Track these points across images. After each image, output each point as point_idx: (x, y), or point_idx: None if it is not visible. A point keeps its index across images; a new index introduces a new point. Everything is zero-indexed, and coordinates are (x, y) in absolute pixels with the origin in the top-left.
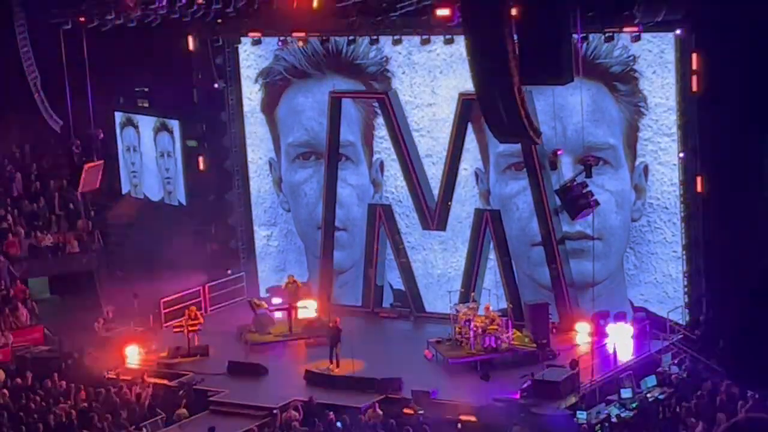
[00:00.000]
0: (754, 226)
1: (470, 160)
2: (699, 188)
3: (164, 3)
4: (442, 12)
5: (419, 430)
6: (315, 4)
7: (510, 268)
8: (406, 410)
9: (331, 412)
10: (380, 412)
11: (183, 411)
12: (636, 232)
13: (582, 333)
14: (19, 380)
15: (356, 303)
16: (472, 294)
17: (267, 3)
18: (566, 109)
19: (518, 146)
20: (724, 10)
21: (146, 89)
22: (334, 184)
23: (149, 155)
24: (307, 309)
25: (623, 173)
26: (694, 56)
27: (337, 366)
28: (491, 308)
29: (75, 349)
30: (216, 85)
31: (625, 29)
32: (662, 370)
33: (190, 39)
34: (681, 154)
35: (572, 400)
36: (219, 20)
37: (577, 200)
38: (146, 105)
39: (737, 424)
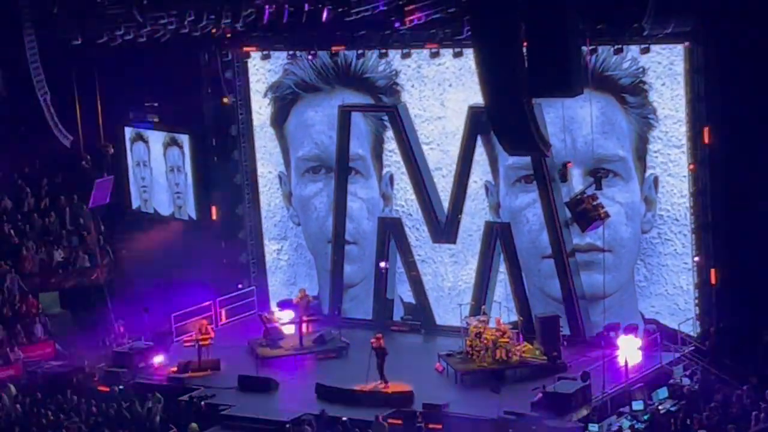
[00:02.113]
0: (764, 236)
1: (480, 172)
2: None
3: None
4: None
5: None
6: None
7: (520, 281)
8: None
9: (345, 418)
10: (386, 425)
11: (194, 426)
12: (646, 244)
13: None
14: (38, 394)
15: (367, 316)
16: (483, 307)
17: (276, 18)
18: (576, 122)
19: (528, 159)
20: (733, 21)
21: (156, 104)
22: (344, 197)
23: (159, 170)
24: (318, 323)
25: (633, 185)
26: (704, 68)
27: (386, 384)
28: (502, 321)
29: (86, 364)
30: (226, 100)
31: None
32: (674, 382)
33: (200, 54)
34: (691, 166)
35: (584, 412)
36: (228, 35)
37: (588, 212)
38: (156, 120)
39: None
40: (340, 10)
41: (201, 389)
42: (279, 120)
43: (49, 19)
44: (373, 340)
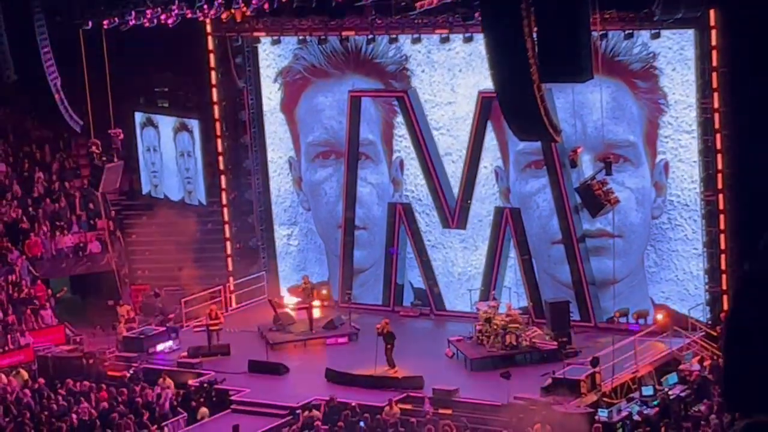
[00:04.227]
0: None
1: (490, 158)
2: (719, 185)
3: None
4: None
5: (439, 428)
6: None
7: (530, 266)
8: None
9: (354, 403)
10: (397, 410)
11: (205, 410)
12: (656, 229)
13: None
14: (41, 380)
15: (376, 302)
16: (493, 292)
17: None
18: (586, 107)
19: (538, 144)
20: (742, 6)
21: (166, 89)
22: (354, 182)
23: (169, 155)
24: (326, 308)
25: (643, 170)
26: (714, 53)
27: (394, 368)
28: (512, 306)
29: (96, 349)
30: (239, 85)
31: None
32: (684, 368)
33: (210, 39)
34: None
35: (593, 397)
36: (238, 20)
37: (598, 198)
38: (166, 105)
39: (757, 424)
40: None
41: (211, 374)
42: (289, 105)
43: (60, 5)
44: (378, 326)
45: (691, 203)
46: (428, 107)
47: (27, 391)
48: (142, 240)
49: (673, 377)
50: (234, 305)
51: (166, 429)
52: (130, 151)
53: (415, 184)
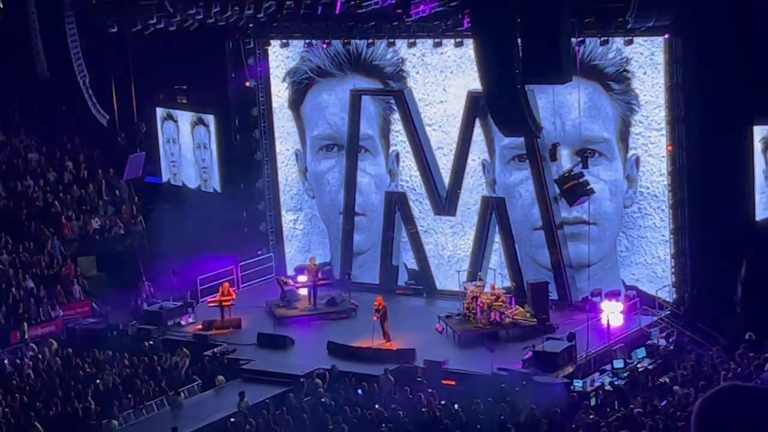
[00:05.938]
0: (734, 212)
1: (478, 152)
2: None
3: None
4: None
5: (430, 396)
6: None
7: (513, 250)
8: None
9: (353, 372)
10: (392, 379)
11: (221, 378)
12: (628, 217)
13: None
14: (69, 349)
15: (374, 281)
16: (479, 273)
17: (294, 9)
18: (565, 106)
19: (521, 139)
20: (708, 16)
21: (185, 87)
22: (355, 173)
23: (187, 147)
24: (329, 287)
25: (617, 164)
26: (682, 58)
27: (389, 340)
28: (496, 286)
29: (120, 322)
30: (248, 84)
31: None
32: (651, 343)
33: (225, 42)
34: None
35: (569, 369)
36: (251, 24)
37: (575, 189)
38: (185, 101)
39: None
40: (352, 2)
41: (224, 345)
42: (296, 102)
43: (89, 9)
44: (376, 303)
45: (660, 194)
46: (422, 105)
47: (58, 359)
48: (161, 223)
49: (641, 351)
50: (245, 283)
51: (182, 394)
52: (152, 142)
53: (409, 174)
